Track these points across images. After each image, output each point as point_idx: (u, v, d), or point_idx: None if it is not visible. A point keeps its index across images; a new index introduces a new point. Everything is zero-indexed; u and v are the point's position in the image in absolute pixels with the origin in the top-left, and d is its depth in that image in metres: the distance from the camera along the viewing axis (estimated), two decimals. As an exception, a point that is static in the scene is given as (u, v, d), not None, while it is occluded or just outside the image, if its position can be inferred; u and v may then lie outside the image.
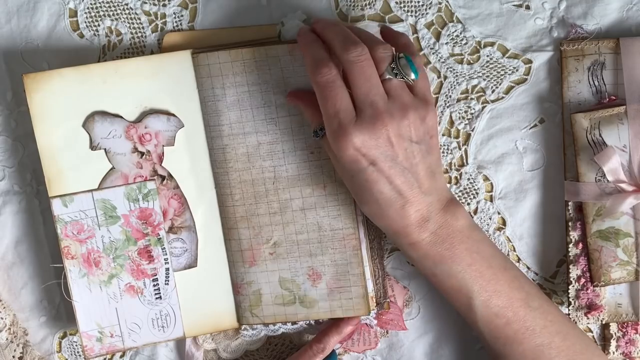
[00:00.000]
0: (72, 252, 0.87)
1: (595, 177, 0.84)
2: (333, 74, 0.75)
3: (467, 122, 0.88)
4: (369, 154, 0.75)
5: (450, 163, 0.89)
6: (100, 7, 0.88)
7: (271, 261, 0.87)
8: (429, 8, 0.87)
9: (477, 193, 0.89)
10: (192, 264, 0.89)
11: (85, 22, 0.88)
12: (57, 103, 0.85)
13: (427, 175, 0.77)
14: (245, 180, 0.86)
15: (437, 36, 0.87)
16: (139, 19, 0.88)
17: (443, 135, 0.88)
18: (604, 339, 0.90)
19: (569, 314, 0.87)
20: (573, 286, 0.87)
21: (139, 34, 0.89)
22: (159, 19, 0.88)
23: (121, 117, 0.86)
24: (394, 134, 0.75)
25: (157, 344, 0.91)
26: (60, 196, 0.87)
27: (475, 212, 0.89)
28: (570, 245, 0.86)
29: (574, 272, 0.87)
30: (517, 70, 0.87)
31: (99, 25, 0.88)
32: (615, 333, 0.88)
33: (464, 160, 0.89)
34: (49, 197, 0.86)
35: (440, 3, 0.87)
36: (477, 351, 0.91)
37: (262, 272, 0.88)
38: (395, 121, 0.75)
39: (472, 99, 0.88)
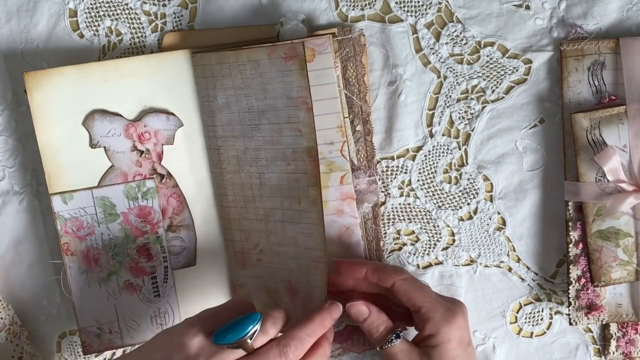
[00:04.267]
0: (71, 248, 0.88)
1: (596, 177, 0.84)
2: (410, 273, 0.84)
3: (467, 122, 0.88)
4: (467, 333, 0.82)
5: (450, 163, 0.89)
6: (100, 7, 0.88)
7: (258, 267, 0.87)
8: (429, 8, 0.87)
9: (477, 193, 0.89)
10: (190, 262, 0.89)
11: (85, 22, 0.88)
12: (58, 101, 0.86)
13: None
14: (237, 183, 0.86)
15: (437, 36, 0.87)
16: (139, 19, 0.88)
17: (443, 135, 0.88)
18: (604, 339, 0.90)
19: (569, 314, 0.87)
20: (573, 286, 0.87)
21: (139, 34, 0.89)
22: (158, 19, 0.88)
23: (121, 115, 0.86)
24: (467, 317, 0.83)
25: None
26: (60, 193, 0.87)
27: (475, 212, 0.89)
28: (571, 245, 0.86)
29: (574, 272, 0.87)
30: (517, 70, 0.87)
31: (99, 25, 0.88)
32: (615, 333, 0.88)
33: (464, 160, 0.89)
34: (49, 194, 0.87)
35: (440, 3, 0.87)
36: (477, 351, 0.91)
37: (251, 276, 0.88)
38: (464, 310, 0.83)
39: (472, 99, 0.88)
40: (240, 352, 0.74)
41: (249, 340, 0.74)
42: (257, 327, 0.74)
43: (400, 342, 0.80)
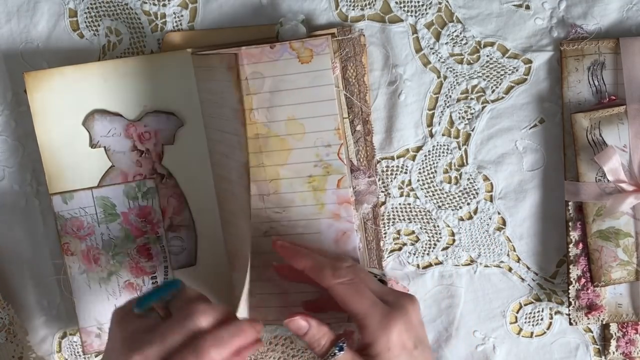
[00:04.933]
0: (71, 248, 0.88)
1: (596, 177, 0.84)
2: (351, 272, 0.77)
3: (467, 122, 0.88)
4: (411, 337, 0.76)
5: (450, 163, 0.89)
6: (100, 7, 0.88)
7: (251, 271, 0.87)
8: (429, 8, 0.87)
9: (477, 193, 0.89)
10: (190, 262, 0.89)
11: (85, 22, 0.88)
12: (58, 101, 0.86)
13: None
14: (227, 187, 0.86)
15: (437, 36, 0.87)
16: (139, 19, 0.88)
17: (443, 135, 0.88)
18: (604, 339, 0.90)
19: (569, 314, 0.87)
20: (573, 286, 0.87)
21: (139, 34, 0.89)
22: (159, 19, 0.88)
23: (121, 115, 0.86)
24: (419, 315, 0.78)
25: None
26: (60, 193, 0.87)
27: (475, 212, 0.89)
28: (571, 245, 0.86)
29: (574, 272, 0.87)
30: (517, 70, 0.87)
31: (99, 25, 0.88)
32: (615, 333, 0.88)
33: (464, 160, 0.89)
34: (49, 194, 0.87)
35: (440, 3, 0.87)
36: (477, 351, 0.91)
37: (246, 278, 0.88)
38: (414, 306, 0.77)
39: (472, 99, 0.88)
40: (155, 317, 0.72)
41: (160, 309, 0.73)
42: (174, 293, 0.73)
43: (343, 354, 0.74)
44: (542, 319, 0.91)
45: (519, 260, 0.90)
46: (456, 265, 0.90)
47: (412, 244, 0.90)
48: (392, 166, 0.89)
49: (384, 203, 0.90)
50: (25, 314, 0.93)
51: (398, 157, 0.89)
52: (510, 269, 0.90)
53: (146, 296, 0.73)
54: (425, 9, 0.87)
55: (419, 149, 0.89)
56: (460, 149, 0.89)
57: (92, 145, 0.87)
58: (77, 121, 0.86)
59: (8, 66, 0.89)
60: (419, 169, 0.89)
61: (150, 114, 0.87)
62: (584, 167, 0.84)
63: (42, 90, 0.85)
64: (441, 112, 0.88)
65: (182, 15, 0.88)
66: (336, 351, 0.75)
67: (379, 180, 0.89)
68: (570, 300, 0.87)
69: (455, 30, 0.87)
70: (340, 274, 0.77)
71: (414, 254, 0.90)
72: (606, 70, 0.85)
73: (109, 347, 0.74)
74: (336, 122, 0.84)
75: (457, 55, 0.87)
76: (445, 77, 0.88)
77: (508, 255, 0.90)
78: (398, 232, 0.90)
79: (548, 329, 0.91)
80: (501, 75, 0.87)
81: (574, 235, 0.86)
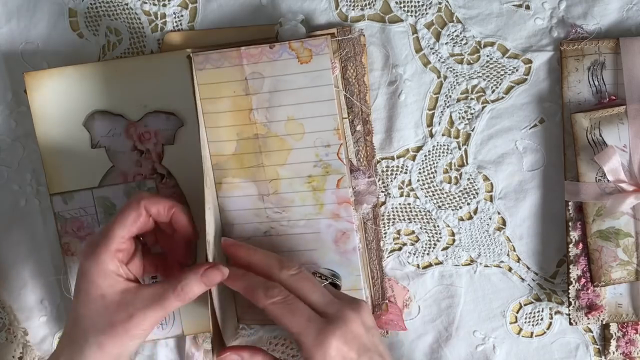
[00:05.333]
0: (72, 248, 0.88)
1: (596, 177, 0.84)
2: (283, 290, 0.76)
3: (467, 122, 0.88)
4: (353, 348, 0.74)
5: (450, 163, 0.89)
6: (100, 7, 0.88)
7: None
8: (429, 8, 0.87)
9: (477, 193, 0.89)
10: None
11: (85, 22, 0.88)
12: (58, 101, 0.86)
13: (387, 351, 0.78)
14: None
15: (437, 36, 0.87)
16: (139, 19, 0.88)
17: (443, 135, 0.88)
18: (604, 339, 0.90)
19: (569, 314, 0.87)
20: (573, 286, 0.87)
21: (139, 34, 0.89)
22: (159, 19, 0.88)
23: (121, 115, 0.86)
24: (366, 321, 0.77)
25: (157, 341, 0.91)
26: (60, 193, 0.87)
27: (475, 212, 0.89)
28: (571, 245, 0.86)
29: (574, 272, 0.87)
30: (517, 70, 0.87)
31: (98, 25, 0.88)
32: (615, 333, 0.88)
33: (464, 160, 0.89)
34: (50, 194, 0.87)
35: (440, 3, 0.87)
36: (477, 351, 0.91)
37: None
38: (359, 313, 0.76)
39: (472, 99, 0.88)
40: None
41: None
42: None
43: None
44: (542, 319, 0.91)
45: (519, 260, 0.90)
46: (456, 265, 0.90)
47: (412, 244, 0.90)
48: (392, 166, 0.89)
49: (384, 203, 0.90)
50: (25, 314, 0.93)
51: (398, 157, 0.89)
52: (510, 269, 0.90)
53: None
54: (425, 9, 0.87)
55: (419, 149, 0.89)
56: (460, 149, 0.89)
57: (93, 145, 0.87)
58: (77, 121, 0.86)
59: (8, 66, 0.89)
60: (419, 169, 0.89)
61: (150, 114, 0.87)
62: (584, 167, 0.84)
63: (42, 90, 0.85)
64: (441, 112, 0.88)
65: (182, 15, 0.88)
66: None
67: (379, 180, 0.89)
68: (570, 300, 0.87)
69: (455, 30, 0.87)
70: (273, 293, 0.76)
71: (414, 254, 0.90)
72: (606, 70, 0.85)
73: None
74: (336, 122, 0.84)
75: (457, 55, 0.87)
76: (445, 77, 0.88)
77: (508, 255, 0.90)
78: (398, 232, 0.90)
79: (548, 329, 0.91)
80: (501, 75, 0.87)
81: (574, 235, 0.86)
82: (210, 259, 0.81)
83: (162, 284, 0.77)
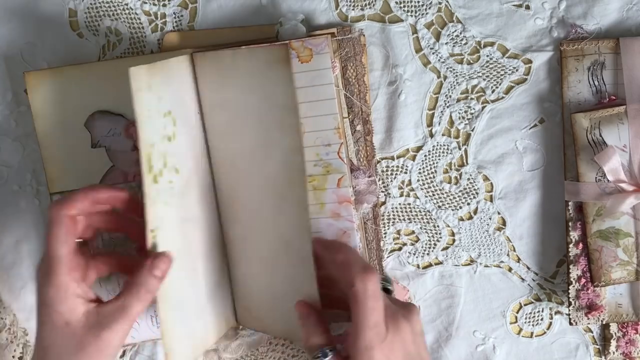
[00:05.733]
0: None
1: (596, 177, 0.84)
2: (379, 281, 0.75)
3: (467, 122, 0.88)
4: (398, 356, 0.74)
5: (450, 163, 0.89)
6: (100, 7, 0.88)
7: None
8: (429, 8, 0.87)
9: (477, 193, 0.89)
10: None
11: (85, 22, 0.88)
12: (58, 101, 0.86)
13: (428, 357, 0.79)
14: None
15: (437, 36, 0.87)
16: (139, 19, 0.88)
17: (443, 135, 0.88)
18: (604, 339, 0.90)
19: (569, 314, 0.87)
20: (573, 286, 0.87)
21: (139, 34, 0.89)
22: (159, 19, 0.88)
23: (121, 115, 0.86)
24: (412, 331, 0.76)
25: (156, 340, 0.91)
26: (61, 193, 0.87)
27: (475, 212, 0.89)
28: (571, 245, 0.86)
29: (574, 272, 0.87)
30: (517, 70, 0.87)
31: (98, 25, 0.88)
32: (615, 333, 0.88)
33: (464, 160, 0.89)
34: (50, 193, 0.87)
35: (440, 3, 0.87)
36: (477, 351, 0.91)
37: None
38: (410, 321, 0.76)
39: (472, 99, 0.88)
40: None
41: None
42: None
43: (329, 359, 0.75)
44: (542, 319, 0.91)
45: (519, 260, 0.90)
46: (456, 265, 0.90)
47: (412, 244, 0.90)
48: (392, 166, 0.89)
49: (384, 203, 0.90)
50: (25, 314, 0.93)
51: (398, 157, 0.89)
52: (510, 269, 0.90)
53: None
54: (425, 9, 0.87)
55: (419, 149, 0.89)
56: (460, 149, 0.89)
57: (93, 145, 0.87)
58: (77, 121, 0.86)
59: (8, 66, 0.89)
60: (419, 169, 0.89)
61: (150, 113, 0.87)
62: (584, 167, 0.84)
63: (43, 90, 0.85)
64: (441, 112, 0.88)
65: (182, 15, 0.88)
66: (319, 355, 0.75)
67: (379, 180, 0.89)
68: (570, 300, 0.87)
69: (455, 30, 0.87)
70: (371, 278, 0.74)
71: (414, 254, 0.90)
72: (606, 70, 0.85)
73: None
74: (336, 122, 0.84)
75: (457, 55, 0.87)
76: (445, 77, 0.88)
77: (508, 255, 0.90)
78: (398, 232, 0.90)
79: (548, 329, 0.91)
80: (501, 75, 0.87)
81: (574, 235, 0.86)
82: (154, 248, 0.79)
83: (120, 295, 0.77)
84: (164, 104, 0.79)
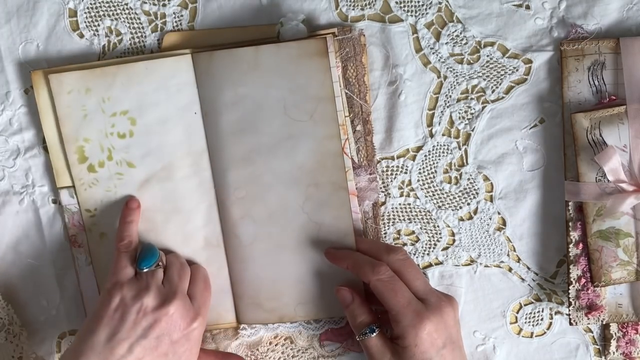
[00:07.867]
0: (78, 240, 0.89)
1: (596, 177, 0.84)
2: (389, 270, 0.82)
3: (467, 122, 0.88)
4: (441, 337, 0.81)
5: (450, 163, 0.89)
6: (100, 7, 0.88)
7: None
8: (429, 8, 0.87)
9: (477, 193, 0.89)
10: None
11: (85, 22, 0.88)
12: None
13: (463, 347, 0.86)
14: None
15: (437, 36, 0.87)
16: (139, 19, 0.88)
17: (443, 135, 0.88)
18: (604, 339, 0.90)
19: (569, 314, 0.87)
20: (573, 286, 0.87)
21: (139, 34, 0.89)
22: (158, 19, 0.88)
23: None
24: (456, 316, 0.83)
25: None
26: (67, 187, 0.88)
27: (475, 212, 0.89)
28: (571, 246, 0.86)
29: (574, 272, 0.86)
30: (517, 70, 0.87)
31: (98, 25, 0.88)
32: (615, 333, 0.88)
33: (464, 160, 0.89)
34: (57, 187, 0.88)
35: (440, 3, 0.87)
36: (477, 351, 0.91)
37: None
38: (453, 308, 0.83)
39: (472, 99, 0.88)
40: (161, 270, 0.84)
41: (163, 259, 0.85)
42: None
43: (375, 336, 0.82)
44: (542, 319, 0.91)
45: (519, 260, 0.90)
46: (456, 265, 0.90)
47: (412, 244, 0.90)
48: (392, 166, 0.89)
49: (384, 203, 0.90)
50: (25, 314, 0.93)
51: (398, 157, 0.89)
52: (510, 269, 0.90)
53: (147, 258, 0.84)
54: (425, 9, 0.87)
55: (419, 149, 0.89)
56: (460, 149, 0.89)
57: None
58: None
59: (8, 66, 0.89)
60: (419, 169, 0.89)
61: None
62: (584, 167, 0.84)
63: (48, 88, 0.86)
64: (441, 112, 0.88)
65: (182, 15, 0.88)
66: (367, 331, 0.82)
67: (379, 179, 0.89)
68: (571, 300, 0.87)
69: (455, 30, 0.87)
70: (380, 270, 0.81)
71: (414, 254, 0.90)
72: (606, 70, 0.85)
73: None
74: (341, 118, 0.84)
75: (457, 55, 0.87)
76: (445, 77, 0.88)
77: (508, 255, 0.90)
78: (398, 232, 0.90)
79: (548, 329, 0.91)
80: (501, 75, 0.87)
81: (574, 235, 0.86)
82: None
83: None
84: (117, 105, 0.86)
